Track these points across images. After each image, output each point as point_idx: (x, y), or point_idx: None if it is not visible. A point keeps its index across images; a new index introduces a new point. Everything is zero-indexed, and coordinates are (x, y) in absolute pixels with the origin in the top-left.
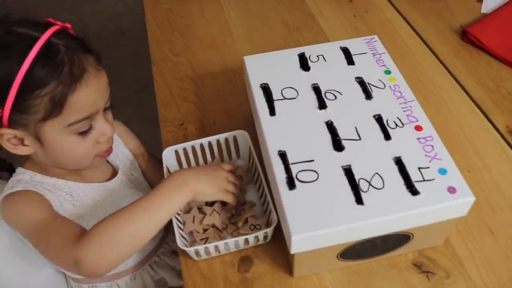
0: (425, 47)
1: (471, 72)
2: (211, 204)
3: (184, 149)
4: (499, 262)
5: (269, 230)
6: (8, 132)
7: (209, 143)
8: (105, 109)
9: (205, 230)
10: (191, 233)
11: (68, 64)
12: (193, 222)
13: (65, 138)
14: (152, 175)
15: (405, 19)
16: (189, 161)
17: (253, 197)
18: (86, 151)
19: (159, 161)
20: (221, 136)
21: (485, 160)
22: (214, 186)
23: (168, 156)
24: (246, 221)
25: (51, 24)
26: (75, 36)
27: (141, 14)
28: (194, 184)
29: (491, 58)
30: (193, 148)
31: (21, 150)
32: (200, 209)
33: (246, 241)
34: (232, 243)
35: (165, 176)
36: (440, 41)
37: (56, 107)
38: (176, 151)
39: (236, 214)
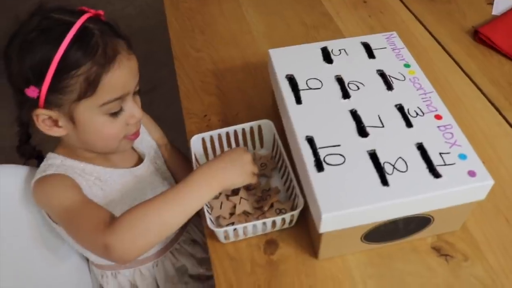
0: (439, 47)
1: (484, 70)
2: (236, 191)
3: (211, 137)
4: None
5: (296, 213)
6: (44, 113)
7: (235, 132)
8: (134, 93)
9: (231, 215)
10: (217, 218)
11: (102, 46)
12: (221, 208)
13: (97, 118)
14: (174, 165)
15: (418, 20)
16: (215, 149)
17: (277, 183)
18: (116, 131)
19: (181, 153)
20: (246, 125)
21: (499, 153)
22: (242, 174)
23: (196, 143)
24: (272, 206)
25: (84, 11)
26: (107, 22)
27: (151, 17)
28: (222, 178)
29: (503, 58)
30: (219, 136)
31: (55, 131)
32: (227, 196)
33: (273, 223)
34: (259, 225)
35: (194, 162)
36: (453, 41)
37: (91, 86)
38: (203, 139)
39: (262, 199)
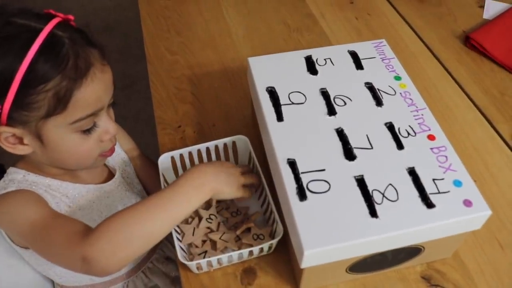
0: (429, 52)
1: (475, 79)
2: (206, 208)
3: (181, 155)
4: (509, 275)
5: (275, 242)
6: (6, 130)
7: (207, 149)
8: (108, 106)
9: (204, 242)
10: (189, 245)
11: (73, 58)
12: (193, 234)
13: (68, 136)
14: (145, 177)
15: (407, 23)
16: (185, 167)
17: (253, 205)
18: (89, 150)
19: (153, 164)
20: (220, 142)
21: (491, 170)
22: (232, 185)
23: (164, 162)
24: (248, 230)
25: (52, 16)
26: (78, 28)
27: (129, 9)
28: (214, 184)
29: (494, 65)
30: (190, 154)
31: (19, 150)
32: (199, 219)
33: (251, 252)
34: (235, 256)
35: (162, 183)
36: (443, 47)
37: (61, 103)
38: (172, 157)
39: (238, 222)
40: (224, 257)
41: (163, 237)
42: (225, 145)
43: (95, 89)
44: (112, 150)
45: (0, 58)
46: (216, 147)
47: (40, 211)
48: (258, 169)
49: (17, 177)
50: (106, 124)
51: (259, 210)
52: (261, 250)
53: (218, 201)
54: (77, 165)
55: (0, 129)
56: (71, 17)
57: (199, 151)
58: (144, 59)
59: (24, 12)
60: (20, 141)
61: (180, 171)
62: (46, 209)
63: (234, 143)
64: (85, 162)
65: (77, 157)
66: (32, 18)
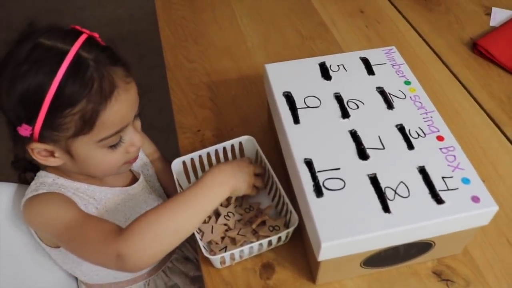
0: (437, 58)
1: (483, 84)
2: (225, 206)
3: (191, 160)
4: None
5: (291, 230)
6: (38, 147)
7: (216, 151)
8: (135, 117)
9: (222, 239)
10: (209, 243)
11: (98, 81)
12: (212, 232)
13: (96, 152)
14: (166, 180)
15: (416, 30)
16: (196, 170)
17: (264, 199)
18: (116, 161)
19: None
20: (227, 144)
21: (499, 170)
22: (245, 183)
23: (176, 166)
24: (264, 223)
25: (78, 34)
26: (104, 46)
27: (142, 20)
28: (234, 181)
29: (501, 71)
30: (200, 157)
31: (51, 162)
32: (217, 217)
33: (270, 242)
34: (256, 247)
35: (177, 187)
36: (451, 53)
37: (87, 125)
38: (184, 162)
39: (252, 217)
40: (245, 248)
41: (191, 233)
42: (232, 146)
43: (120, 109)
44: (136, 157)
45: (30, 83)
46: (224, 148)
47: (72, 212)
48: (267, 165)
49: (47, 180)
50: (132, 137)
51: (270, 203)
52: (279, 239)
53: (227, 199)
54: (104, 174)
55: (32, 146)
56: (96, 34)
57: (208, 154)
58: (157, 68)
59: (51, 31)
60: (52, 154)
61: (191, 174)
62: (77, 209)
63: (240, 143)
64: (112, 171)
65: (104, 168)
66: (58, 38)
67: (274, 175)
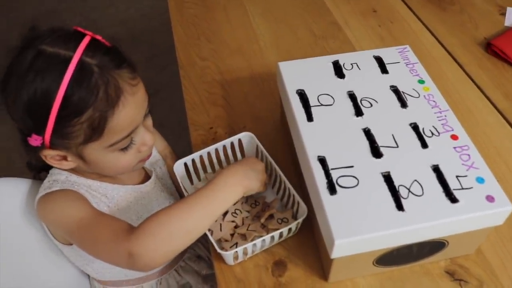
0: (450, 58)
1: (496, 84)
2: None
3: (192, 160)
4: None
5: (301, 220)
6: (50, 153)
7: (216, 150)
8: (145, 116)
9: (232, 236)
10: (219, 241)
11: (104, 87)
12: (221, 230)
13: (107, 155)
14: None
15: (429, 30)
16: (197, 170)
17: (268, 193)
18: (129, 162)
19: None
20: (227, 142)
21: None
22: (258, 181)
23: (179, 169)
24: (272, 217)
25: (81, 36)
26: (108, 47)
27: (154, 19)
28: (246, 182)
29: None
30: (201, 158)
31: (65, 165)
32: (223, 216)
33: (280, 234)
34: (268, 239)
35: (182, 189)
36: (465, 53)
37: (96, 132)
38: (185, 164)
39: (259, 211)
40: (258, 242)
41: (202, 234)
42: (232, 143)
43: (128, 113)
44: (150, 154)
45: (36, 94)
46: (224, 147)
47: (85, 209)
48: (269, 159)
49: (60, 177)
50: (143, 137)
51: (276, 197)
52: (289, 230)
53: None
54: (117, 174)
55: (45, 153)
56: (98, 37)
57: (208, 153)
58: (168, 67)
59: (53, 35)
60: (65, 158)
61: (193, 175)
62: (90, 207)
63: (240, 140)
64: (126, 171)
65: (117, 169)
66: (61, 43)
67: (277, 168)
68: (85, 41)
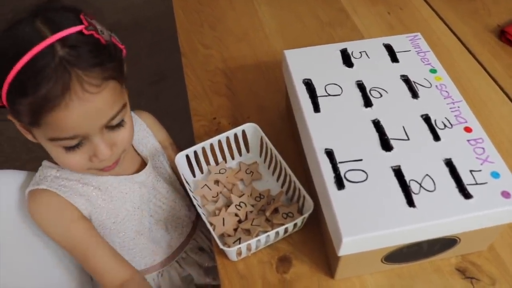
0: (462, 47)
1: (510, 73)
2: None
3: (195, 152)
4: None
5: (307, 215)
6: (16, 122)
7: (219, 142)
8: (110, 127)
9: (235, 230)
10: (221, 236)
11: (53, 81)
12: (223, 225)
13: (51, 148)
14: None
15: (440, 17)
16: (200, 163)
17: (273, 187)
18: (77, 163)
19: None
20: (230, 133)
21: None
22: None
23: (181, 160)
24: (276, 211)
25: (76, 23)
26: (95, 45)
27: (158, 6)
28: None
29: None
30: (203, 149)
31: (31, 138)
32: (226, 207)
33: (286, 230)
34: (272, 235)
35: (184, 183)
36: (478, 41)
37: (34, 121)
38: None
39: (264, 205)
40: (262, 237)
41: None
42: (235, 135)
43: (70, 116)
44: (113, 166)
45: (2, 50)
46: (227, 138)
47: (72, 234)
48: (274, 151)
49: (51, 172)
50: (95, 148)
51: (280, 190)
52: (295, 225)
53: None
54: (71, 170)
55: (9, 116)
56: (97, 35)
57: (211, 145)
58: (173, 54)
59: (57, 12)
60: (30, 131)
61: (196, 167)
62: (76, 230)
63: (244, 131)
64: (76, 170)
65: (64, 165)
66: (50, 22)
67: (283, 161)
68: (71, 30)
